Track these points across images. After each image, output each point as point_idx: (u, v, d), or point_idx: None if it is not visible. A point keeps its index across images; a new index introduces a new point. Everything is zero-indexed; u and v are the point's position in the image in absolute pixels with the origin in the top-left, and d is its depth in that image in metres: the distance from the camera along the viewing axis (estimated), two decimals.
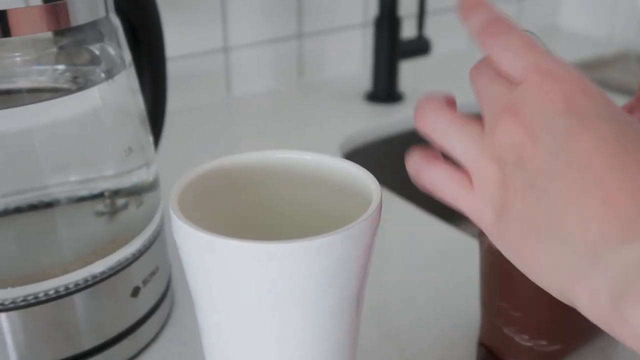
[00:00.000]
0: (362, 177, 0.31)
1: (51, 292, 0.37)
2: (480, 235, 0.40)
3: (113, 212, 0.41)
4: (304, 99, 0.93)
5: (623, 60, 1.10)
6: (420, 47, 0.90)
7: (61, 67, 0.40)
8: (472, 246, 0.56)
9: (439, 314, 0.47)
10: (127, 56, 0.42)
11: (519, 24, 0.27)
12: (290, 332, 0.29)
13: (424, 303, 0.49)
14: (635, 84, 0.99)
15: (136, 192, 0.42)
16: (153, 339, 0.44)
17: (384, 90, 0.89)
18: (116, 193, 0.40)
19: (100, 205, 0.40)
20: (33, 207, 0.37)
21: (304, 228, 0.34)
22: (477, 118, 0.28)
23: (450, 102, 0.29)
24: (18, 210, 0.37)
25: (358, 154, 0.79)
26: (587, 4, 1.27)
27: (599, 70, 1.05)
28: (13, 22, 0.34)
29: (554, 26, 1.30)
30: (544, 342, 0.39)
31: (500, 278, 0.39)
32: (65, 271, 0.38)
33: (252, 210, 0.34)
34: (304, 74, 0.98)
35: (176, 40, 0.81)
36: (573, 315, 0.38)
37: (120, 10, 0.43)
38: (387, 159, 0.84)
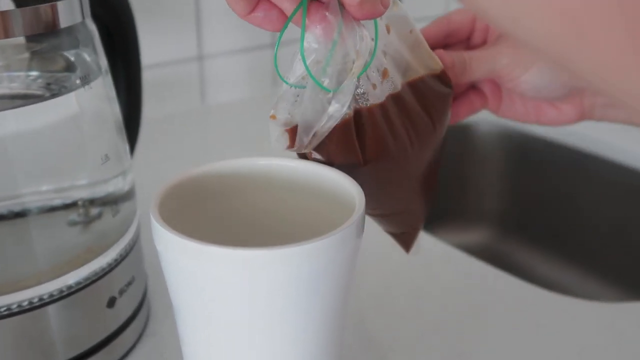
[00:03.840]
0: (345, 184, 0.31)
1: (25, 303, 0.36)
2: None
3: (88, 221, 0.40)
4: None
5: None
6: None
7: (34, 73, 0.39)
8: (451, 254, 0.56)
9: (419, 321, 0.47)
10: (104, 63, 0.41)
11: None
12: (273, 340, 0.28)
13: (403, 310, 0.48)
14: None
15: (112, 201, 0.41)
16: (130, 350, 0.43)
17: None
18: (92, 202, 0.40)
19: (75, 215, 0.39)
20: (5, 217, 0.36)
21: (287, 235, 0.33)
22: None
23: None
24: None
25: None
26: None
27: None
28: None
29: None
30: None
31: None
32: (39, 282, 0.37)
33: (234, 218, 0.34)
34: (278, 82, 0.98)
35: (150, 48, 0.80)
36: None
37: (96, 17, 0.42)
38: None
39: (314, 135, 0.31)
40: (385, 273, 0.53)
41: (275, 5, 0.31)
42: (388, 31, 0.34)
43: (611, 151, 0.79)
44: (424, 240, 0.59)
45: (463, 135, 0.91)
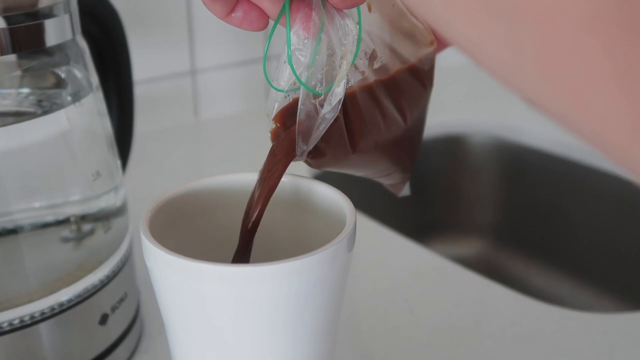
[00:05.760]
0: (335, 198, 0.31)
1: (16, 321, 0.36)
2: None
3: (80, 238, 0.40)
4: None
5: None
6: None
7: (25, 90, 0.39)
8: (445, 266, 0.56)
9: (413, 334, 0.47)
10: (94, 79, 0.42)
11: None
12: (263, 357, 0.28)
13: (397, 323, 0.48)
14: None
15: (104, 217, 0.41)
16: None
17: None
18: (83, 218, 0.40)
19: (66, 231, 0.39)
20: None
21: (277, 251, 0.33)
22: None
23: None
24: None
25: (327, 176, 0.79)
26: None
27: None
28: None
29: None
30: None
31: None
32: (31, 299, 0.37)
33: (226, 234, 0.33)
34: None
35: (143, 63, 0.81)
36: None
37: (87, 33, 0.43)
38: (356, 180, 0.84)
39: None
40: (379, 286, 0.53)
41: (255, 5, 0.30)
42: (370, 9, 0.33)
43: (605, 162, 0.79)
44: (417, 252, 0.59)
45: (456, 146, 0.91)
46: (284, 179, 0.32)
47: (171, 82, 0.87)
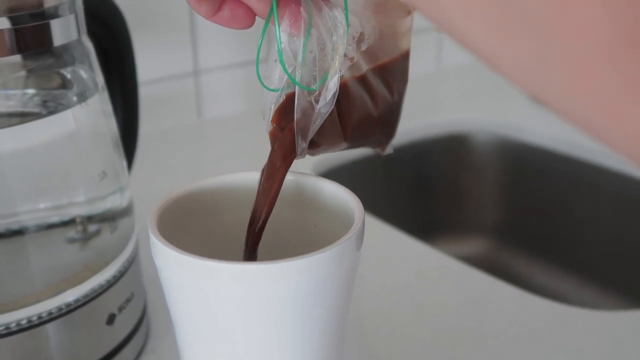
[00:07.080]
0: (343, 196, 0.31)
1: (23, 322, 0.36)
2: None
3: (86, 238, 0.40)
4: None
5: None
6: None
7: (31, 91, 0.39)
8: (450, 265, 0.56)
9: (418, 334, 0.47)
10: (100, 79, 0.42)
11: None
12: (271, 355, 0.28)
13: (402, 323, 0.48)
14: None
15: (110, 217, 0.41)
16: None
17: None
18: (90, 219, 0.40)
19: (73, 232, 0.39)
20: (3, 235, 0.36)
21: (285, 249, 0.33)
22: None
23: None
24: None
25: (332, 175, 0.79)
26: None
27: None
28: None
29: None
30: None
31: None
32: (38, 300, 0.37)
33: (233, 232, 0.33)
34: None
35: (146, 64, 0.81)
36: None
37: (91, 33, 0.43)
38: (361, 179, 0.84)
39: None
40: (384, 285, 0.53)
41: (241, 3, 0.30)
42: None
43: (609, 160, 0.79)
44: (422, 251, 0.59)
45: (459, 145, 0.91)
46: (290, 177, 0.32)
47: (174, 83, 0.87)
